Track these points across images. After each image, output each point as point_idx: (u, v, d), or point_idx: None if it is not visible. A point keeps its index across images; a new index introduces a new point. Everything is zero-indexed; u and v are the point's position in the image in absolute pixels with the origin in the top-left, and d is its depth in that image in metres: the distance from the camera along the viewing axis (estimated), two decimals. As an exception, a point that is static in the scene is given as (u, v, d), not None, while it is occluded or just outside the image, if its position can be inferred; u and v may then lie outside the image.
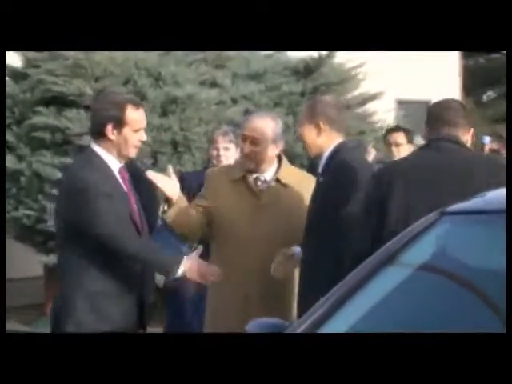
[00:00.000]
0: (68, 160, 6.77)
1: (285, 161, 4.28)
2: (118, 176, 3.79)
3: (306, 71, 8.72)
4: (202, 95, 7.81)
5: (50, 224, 6.96)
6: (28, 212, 7.57)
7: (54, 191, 7.09)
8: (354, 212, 3.74)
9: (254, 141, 4.10)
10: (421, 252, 2.60)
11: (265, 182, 4.15)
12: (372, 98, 9.35)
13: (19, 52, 7.77)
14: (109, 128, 3.71)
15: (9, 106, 7.90)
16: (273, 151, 4.14)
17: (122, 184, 3.79)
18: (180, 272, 3.73)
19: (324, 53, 8.60)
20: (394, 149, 6.28)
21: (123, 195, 3.77)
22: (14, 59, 8.00)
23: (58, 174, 7.12)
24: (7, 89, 8.03)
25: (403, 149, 6.21)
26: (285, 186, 4.17)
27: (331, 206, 3.81)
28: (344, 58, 8.68)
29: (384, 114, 9.47)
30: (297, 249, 4.01)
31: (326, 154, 3.97)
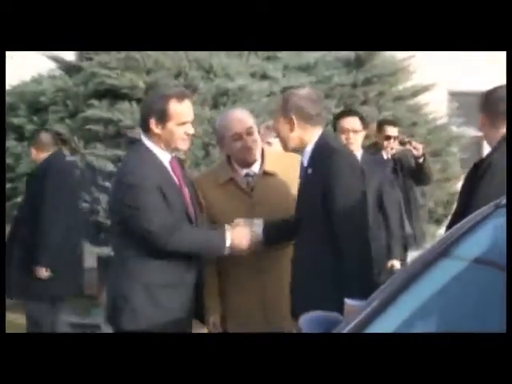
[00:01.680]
0: (120, 152, 6.82)
1: (264, 148, 4.20)
2: (169, 168, 3.80)
3: (358, 63, 8.67)
4: (253, 87, 7.81)
5: (103, 215, 7.05)
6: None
7: (107, 183, 7.18)
8: (355, 198, 3.63)
9: (249, 131, 4.04)
10: (475, 245, 2.56)
11: (255, 175, 4.09)
12: (424, 89, 9.26)
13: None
14: (152, 122, 3.71)
15: (62, 100, 7.98)
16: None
17: (173, 176, 3.80)
18: (228, 243, 3.75)
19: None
20: (351, 135, 5.61)
21: (174, 187, 3.77)
22: (66, 53, 8.09)
23: (111, 166, 7.20)
24: (60, 82, 8.12)
25: (360, 136, 5.71)
26: (272, 175, 4.08)
27: (325, 195, 3.63)
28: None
29: (436, 105, 9.38)
30: (258, 223, 3.90)
31: (309, 147, 3.76)
